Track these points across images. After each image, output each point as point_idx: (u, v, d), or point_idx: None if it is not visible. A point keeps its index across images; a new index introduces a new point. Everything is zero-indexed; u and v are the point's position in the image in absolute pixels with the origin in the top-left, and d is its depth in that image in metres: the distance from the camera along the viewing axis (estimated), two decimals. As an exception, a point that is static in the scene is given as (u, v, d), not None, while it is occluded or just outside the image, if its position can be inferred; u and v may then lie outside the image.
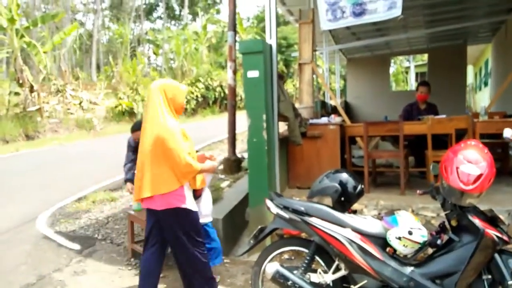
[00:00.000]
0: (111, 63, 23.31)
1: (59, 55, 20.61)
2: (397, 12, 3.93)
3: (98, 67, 31.06)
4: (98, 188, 6.49)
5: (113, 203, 5.78)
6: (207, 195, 3.29)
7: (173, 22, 41.10)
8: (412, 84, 22.06)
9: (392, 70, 24.51)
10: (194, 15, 38.40)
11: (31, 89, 14.83)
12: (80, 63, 32.05)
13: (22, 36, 14.78)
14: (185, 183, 2.64)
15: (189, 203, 2.67)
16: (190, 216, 2.68)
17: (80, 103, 17.97)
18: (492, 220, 2.20)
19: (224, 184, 5.57)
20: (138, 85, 19.35)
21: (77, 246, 4.32)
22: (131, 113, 18.29)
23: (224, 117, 10.80)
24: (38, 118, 14.74)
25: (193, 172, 2.63)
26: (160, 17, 40.55)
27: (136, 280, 3.49)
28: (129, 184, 4.16)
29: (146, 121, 2.67)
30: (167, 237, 2.75)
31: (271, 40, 4.20)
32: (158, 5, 39.65)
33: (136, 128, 4.20)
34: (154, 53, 31.76)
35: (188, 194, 2.69)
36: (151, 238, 2.82)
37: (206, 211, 3.35)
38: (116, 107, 18.06)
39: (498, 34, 9.48)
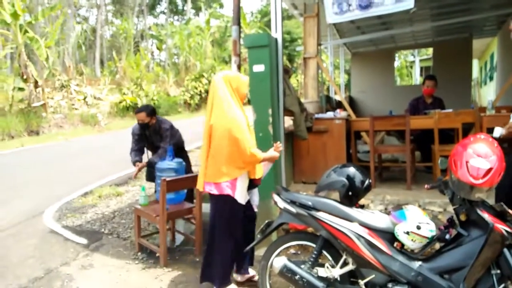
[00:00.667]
0: (115, 59, 23.31)
1: (63, 51, 20.63)
2: (409, 4, 3.87)
3: (101, 63, 31.07)
4: (103, 183, 6.52)
5: (119, 197, 5.80)
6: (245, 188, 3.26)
7: (176, 17, 41.01)
8: (417, 78, 21.92)
9: (396, 64, 24.37)
10: (197, 10, 38.30)
11: (36, 85, 14.87)
12: (84, 58, 32.08)
13: (26, 31, 14.80)
14: (245, 172, 2.80)
15: (238, 195, 2.83)
16: (236, 205, 2.84)
17: (85, 98, 18.02)
18: (501, 214, 2.18)
19: (229, 179, 5.58)
20: (142, 81, 19.37)
21: (84, 240, 4.35)
22: (135, 108, 18.30)
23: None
24: (42, 114, 14.80)
25: (256, 162, 2.78)
26: (163, 12, 40.46)
27: (143, 274, 3.52)
28: (138, 163, 4.43)
29: (211, 111, 2.77)
30: (210, 219, 2.92)
31: (277, 34, 4.18)
32: (161, 0, 39.56)
33: (140, 110, 4.40)
34: (158, 48, 31.70)
35: (240, 185, 2.83)
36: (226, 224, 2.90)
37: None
38: (120, 102, 18.09)
39: (504, 27, 9.38)
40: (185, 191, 4.09)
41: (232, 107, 2.74)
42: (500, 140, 2.74)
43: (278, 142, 3.02)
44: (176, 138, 4.62)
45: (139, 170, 4.49)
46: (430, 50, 15.12)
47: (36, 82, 14.85)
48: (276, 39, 4.17)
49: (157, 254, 3.78)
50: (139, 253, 3.94)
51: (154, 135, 4.49)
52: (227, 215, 2.85)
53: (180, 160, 4.08)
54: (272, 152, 2.93)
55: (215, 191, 2.81)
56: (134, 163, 4.49)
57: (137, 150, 4.54)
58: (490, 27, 9.85)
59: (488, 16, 8.32)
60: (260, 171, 3.00)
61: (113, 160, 8.28)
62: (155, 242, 4.03)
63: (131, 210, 5.05)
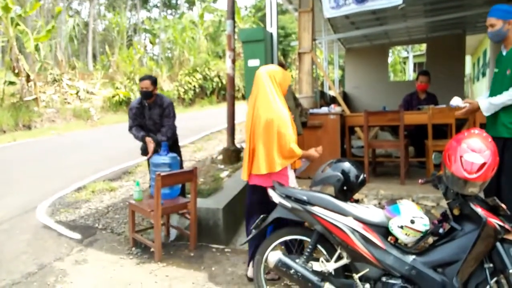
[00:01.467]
0: (108, 53, 23.11)
1: (55, 44, 20.41)
2: (398, 0, 3.92)
3: (94, 57, 30.79)
4: (97, 178, 6.48)
5: (112, 192, 5.77)
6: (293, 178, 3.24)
7: (169, 11, 40.72)
8: (410, 74, 22.02)
9: (390, 60, 24.44)
10: (191, 3, 38.04)
11: (28, 79, 14.70)
12: (76, 52, 31.77)
13: (18, 24, 14.61)
14: (286, 165, 2.83)
15: (292, 182, 2.93)
16: None
17: (77, 92, 17.85)
18: (494, 209, 2.21)
19: (223, 174, 5.58)
20: (135, 75, 19.22)
21: (77, 236, 4.33)
22: (128, 102, 18.18)
23: (222, 107, 10.75)
24: (34, 108, 14.65)
25: (294, 157, 2.83)
26: (156, 6, 40.15)
27: (137, 269, 3.52)
28: (147, 138, 4.24)
29: (256, 104, 2.84)
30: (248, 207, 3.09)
31: (272, 28, 4.17)
32: (154, -6, 39.25)
33: (144, 78, 4.30)
34: (151, 42, 31.46)
35: (291, 175, 2.94)
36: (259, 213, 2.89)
37: None
38: (113, 96, 17.95)
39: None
40: (180, 186, 4.08)
41: (277, 101, 2.82)
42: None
43: (321, 147, 3.03)
44: (175, 119, 4.48)
45: (153, 145, 4.20)
46: (423, 46, 15.18)
47: (28, 76, 14.68)
48: (271, 34, 4.17)
49: (152, 249, 3.78)
50: (133, 248, 3.93)
51: (154, 110, 4.34)
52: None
53: (174, 155, 4.07)
54: (312, 151, 2.95)
55: (260, 183, 2.88)
56: (142, 139, 4.26)
57: (138, 126, 4.36)
58: (483, 23, 9.79)
59: (481, 13, 8.35)
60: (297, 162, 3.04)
61: (107, 154, 8.23)
62: (150, 237, 4.02)
63: (125, 205, 5.03)
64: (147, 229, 4.21)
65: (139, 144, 4.41)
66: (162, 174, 3.53)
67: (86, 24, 31.51)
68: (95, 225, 4.63)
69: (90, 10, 31.79)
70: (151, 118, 4.35)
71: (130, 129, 4.38)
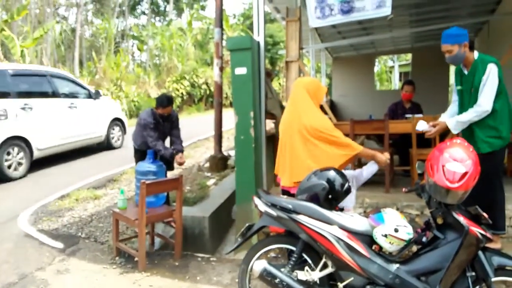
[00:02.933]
0: (94, 59, 22.92)
1: (41, 50, 20.17)
2: (386, 11, 3.97)
3: (81, 63, 30.46)
4: (81, 185, 6.38)
5: (96, 201, 5.68)
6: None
7: (157, 18, 40.64)
8: (396, 83, 22.35)
9: (376, 69, 24.75)
10: (180, 11, 38.06)
11: (12, 84, 14.45)
12: (62, 58, 31.40)
13: (3, 30, 14.41)
14: (341, 163, 2.79)
15: None
16: None
17: (63, 99, 17.62)
18: (476, 218, 2.24)
19: (210, 182, 5.55)
20: (122, 81, 19.08)
21: (60, 245, 4.24)
22: (115, 109, 18.05)
23: (210, 114, 10.72)
24: (19, 114, 14.39)
25: (354, 151, 2.79)
26: (144, 13, 40.05)
27: (120, 279, 3.46)
28: (178, 155, 4.35)
29: (297, 113, 2.88)
30: None
31: (259, 37, 4.19)
32: (142, 0, 39.15)
33: (167, 103, 4.32)
34: (139, 49, 31.28)
35: None
36: None
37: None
38: (99, 103, 17.77)
39: (480, 34, 9.66)
40: (165, 194, 4.04)
41: (315, 110, 2.90)
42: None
43: (387, 152, 2.97)
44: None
45: (181, 164, 4.42)
46: (409, 56, 15.42)
47: (12, 82, 14.43)
48: (258, 42, 4.18)
49: (136, 259, 3.72)
50: (117, 258, 3.87)
51: (166, 124, 4.48)
52: None
53: (160, 163, 4.04)
54: (378, 153, 2.90)
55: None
56: (171, 156, 4.30)
57: (157, 139, 4.33)
58: (468, 34, 10.10)
59: (465, 24, 8.55)
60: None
61: (92, 162, 8.12)
62: (134, 246, 3.97)
63: (109, 213, 4.95)
64: (131, 238, 4.15)
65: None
66: (147, 182, 3.49)
67: (73, 30, 31.22)
68: (78, 234, 4.54)
69: (77, 16, 31.55)
70: (164, 132, 4.47)
71: (155, 142, 4.24)
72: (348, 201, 2.95)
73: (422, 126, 3.10)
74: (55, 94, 7.71)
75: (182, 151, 4.46)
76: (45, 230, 4.65)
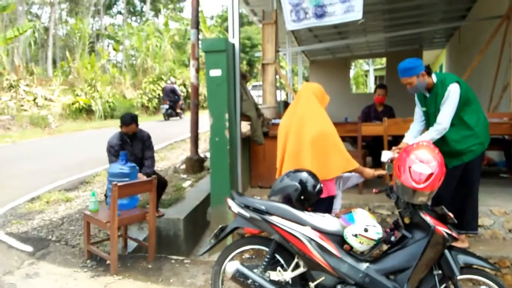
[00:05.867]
0: (68, 58, 22.38)
1: (13, 49, 19.55)
2: (357, 15, 4.05)
3: (54, 62, 29.69)
4: (52, 188, 6.21)
5: (68, 203, 5.55)
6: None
7: (134, 18, 40.07)
8: (371, 87, 22.78)
9: (352, 73, 25.17)
10: (157, 11, 37.66)
11: (-19, 84, 13.97)
12: (35, 57, 30.54)
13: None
14: (338, 174, 2.85)
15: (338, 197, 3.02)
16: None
17: (35, 99, 17.11)
18: (443, 217, 2.31)
19: (186, 184, 5.51)
20: (96, 82, 18.70)
21: (29, 248, 4.12)
22: (89, 110, 17.65)
23: (188, 116, 10.64)
24: (-12, 115, 13.92)
25: (350, 167, 2.82)
26: (120, 12, 39.42)
27: (91, 283, 3.39)
28: (139, 174, 4.08)
29: (305, 115, 2.88)
30: None
31: (234, 39, 4.20)
32: (118, 0, 38.54)
33: (129, 122, 4.15)
34: (114, 49, 30.74)
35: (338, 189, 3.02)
36: None
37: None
38: (73, 104, 17.35)
39: (451, 40, 9.98)
40: (138, 196, 3.98)
41: (325, 114, 2.93)
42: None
43: (381, 170, 3.02)
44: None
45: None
46: (384, 60, 15.75)
47: (-19, 82, 13.95)
48: (233, 44, 4.19)
49: (108, 262, 3.66)
50: (88, 261, 3.79)
51: (136, 145, 4.26)
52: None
53: (133, 164, 3.98)
54: (368, 170, 2.96)
55: (325, 194, 2.79)
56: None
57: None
58: (439, 39, 10.43)
59: (437, 29, 8.82)
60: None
61: (64, 164, 7.92)
62: (106, 249, 3.90)
63: (81, 216, 4.84)
64: (104, 241, 4.08)
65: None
66: (119, 184, 3.44)
67: (47, 29, 30.41)
68: (49, 237, 4.42)
69: (51, 14, 30.75)
70: (133, 153, 4.24)
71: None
72: (337, 204, 3.04)
73: (386, 156, 3.03)
74: None
75: (149, 174, 4.13)
76: (14, 234, 4.51)
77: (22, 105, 16.27)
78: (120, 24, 35.81)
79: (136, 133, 4.27)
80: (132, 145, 4.25)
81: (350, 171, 2.91)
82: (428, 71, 3.11)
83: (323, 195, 2.76)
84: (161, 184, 4.31)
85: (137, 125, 4.24)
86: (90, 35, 27.73)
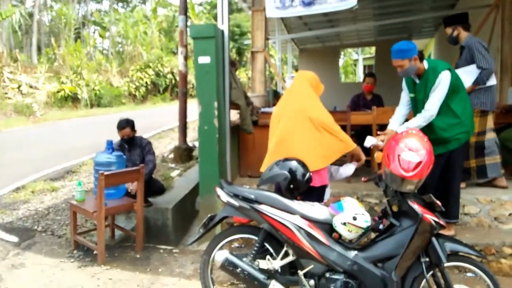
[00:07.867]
0: (53, 45, 21.90)
1: (-5, 35, 19.05)
2: (352, 2, 3.97)
3: (39, 49, 29.04)
4: (38, 177, 6.11)
5: (54, 193, 5.47)
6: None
7: (120, 4, 39.30)
8: (360, 76, 22.82)
9: (341, 62, 25.17)
10: (144, -3, 36.99)
11: (-38, 71, 13.61)
12: (19, 44, 29.80)
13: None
14: (335, 159, 2.83)
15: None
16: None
17: (19, 87, 16.75)
18: (430, 205, 2.32)
19: (174, 173, 5.47)
20: (82, 69, 18.37)
21: (14, 239, 4.06)
22: (74, 98, 17.37)
23: (175, 105, 10.56)
24: (-30, 102, 13.60)
25: (350, 147, 2.86)
26: (107, -2, 38.58)
27: (78, 273, 3.35)
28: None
29: (302, 102, 2.84)
30: None
31: (223, 26, 4.13)
32: (105, -14, 37.69)
33: (123, 125, 4.11)
34: (101, 36, 30.16)
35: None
36: None
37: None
38: (58, 92, 17.05)
39: (440, 29, 9.99)
40: (126, 185, 3.93)
41: (318, 101, 2.92)
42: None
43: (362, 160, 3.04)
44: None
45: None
46: (373, 49, 15.76)
47: (-38, 68, 13.59)
48: (222, 31, 4.12)
49: (95, 252, 3.62)
50: (75, 251, 3.76)
51: (134, 151, 4.21)
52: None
53: (120, 153, 3.92)
54: (362, 154, 2.99)
55: (318, 183, 2.78)
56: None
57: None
58: (428, 28, 10.45)
59: (426, 18, 8.82)
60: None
61: (49, 153, 7.79)
62: (93, 239, 3.86)
63: (67, 206, 4.77)
64: (91, 231, 4.03)
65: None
66: (106, 173, 3.38)
67: (31, 15, 29.65)
68: (34, 227, 4.36)
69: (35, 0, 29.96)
70: (131, 159, 4.16)
71: None
72: (328, 194, 3.02)
73: (370, 141, 3.07)
74: None
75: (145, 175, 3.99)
76: (-1, 224, 4.44)
77: (6, 93, 15.94)
78: (106, 10, 35.09)
79: (134, 139, 4.23)
80: (130, 151, 4.20)
81: (349, 153, 2.97)
82: (421, 56, 3.09)
83: (317, 184, 2.76)
84: (157, 189, 4.31)
85: (133, 129, 4.17)
86: (76, 21, 27.15)
